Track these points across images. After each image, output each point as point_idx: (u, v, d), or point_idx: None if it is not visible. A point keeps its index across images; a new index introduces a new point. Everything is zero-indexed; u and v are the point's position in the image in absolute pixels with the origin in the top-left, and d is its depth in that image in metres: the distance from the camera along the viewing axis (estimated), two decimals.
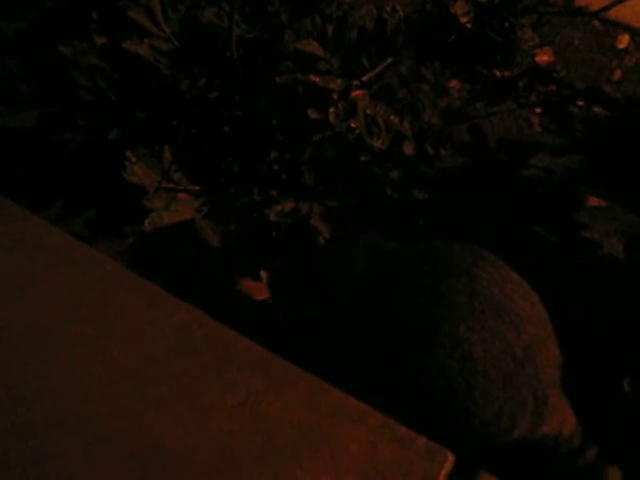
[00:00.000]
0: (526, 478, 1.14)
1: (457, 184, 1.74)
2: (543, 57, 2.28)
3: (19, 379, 0.81)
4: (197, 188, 1.36)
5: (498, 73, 2.15)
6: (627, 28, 2.37)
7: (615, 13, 2.40)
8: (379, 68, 1.17)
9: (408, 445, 0.76)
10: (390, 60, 1.17)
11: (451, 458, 0.78)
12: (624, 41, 2.35)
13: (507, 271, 1.16)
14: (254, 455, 0.76)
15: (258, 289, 1.38)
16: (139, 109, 1.38)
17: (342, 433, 0.76)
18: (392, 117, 1.19)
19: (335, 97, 1.23)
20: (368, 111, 1.18)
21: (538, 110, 2.10)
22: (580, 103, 2.15)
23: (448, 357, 1.05)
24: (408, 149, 1.18)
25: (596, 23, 2.43)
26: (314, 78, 1.22)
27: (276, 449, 0.76)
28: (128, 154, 1.33)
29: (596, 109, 2.14)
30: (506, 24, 2.02)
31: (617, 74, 2.23)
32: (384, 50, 1.22)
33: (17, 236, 0.95)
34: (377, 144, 1.18)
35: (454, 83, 2.09)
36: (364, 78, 1.18)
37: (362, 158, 1.20)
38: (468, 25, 1.93)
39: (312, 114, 1.27)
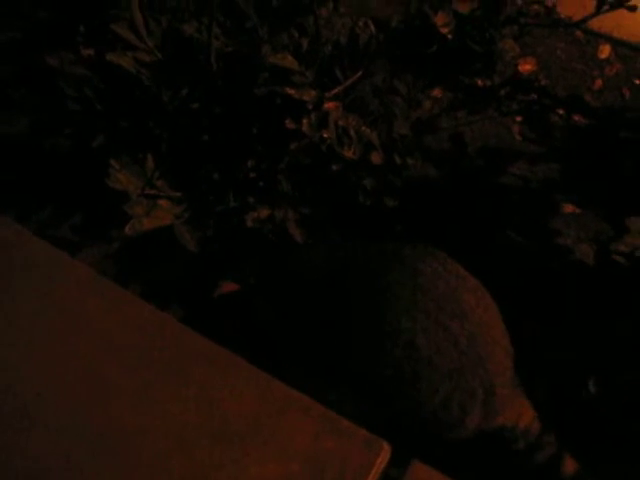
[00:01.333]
0: (486, 473, 1.19)
1: (434, 191, 1.79)
2: (526, 66, 2.33)
3: None
4: (178, 194, 1.42)
5: (480, 82, 2.20)
6: (608, 39, 2.42)
7: (597, 24, 2.45)
8: (350, 81, 1.22)
9: (348, 436, 0.82)
10: (361, 73, 1.22)
11: (387, 447, 0.83)
12: (605, 51, 2.41)
13: (455, 267, 1.21)
14: (207, 443, 0.83)
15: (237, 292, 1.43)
16: (123, 118, 1.43)
17: (288, 425, 0.83)
18: (363, 128, 1.24)
19: (310, 108, 1.28)
20: (340, 122, 1.23)
21: (518, 119, 2.15)
22: (560, 112, 2.20)
23: (394, 346, 1.10)
24: (376, 158, 1.24)
25: (579, 34, 2.48)
26: (289, 90, 1.27)
27: (227, 438, 0.83)
28: (112, 162, 1.38)
29: (576, 118, 2.19)
30: (487, 35, 2.07)
31: (598, 83, 2.29)
32: (357, 63, 1.27)
33: None
34: (348, 154, 1.24)
35: (436, 91, 2.14)
36: (337, 90, 1.23)
37: (334, 167, 1.26)
38: (449, 36, 1.98)
39: (289, 124, 1.32)
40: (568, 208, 1.86)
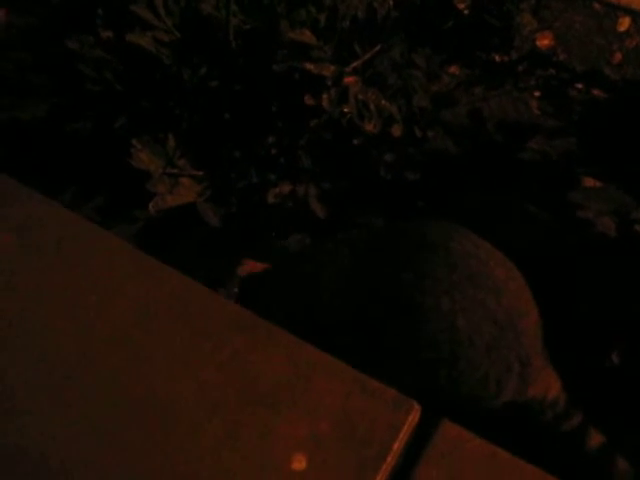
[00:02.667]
0: (512, 443, 1.20)
1: (454, 167, 1.79)
2: (543, 41, 2.31)
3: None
4: (200, 173, 1.43)
5: (497, 58, 2.19)
6: (628, 11, 2.39)
7: None
8: (369, 55, 1.22)
9: (378, 396, 0.84)
10: (380, 47, 1.22)
11: (417, 407, 0.84)
12: (625, 24, 2.38)
13: (481, 242, 1.21)
14: (237, 404, 0.85)
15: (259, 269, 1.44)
16: (143, 98, 1.44)
17: (318, 386, 0.84)
18: (383, 102, 1.24)
19: (329, 83, 1.28)
20: (360, 96, 1.24)
21: (537, 94, 2.14)
22: (579, 86, 2.18)
23: (434, 330, 1.11)
24: (396, 131, 1.24)
25: (597, 6, 2.45)
26: (308, 66, 1.28)
27: (257, 399, 0.85)
28: (134, 142, 1.39)
29: (595, 92, 2.17)
30: (504, 9, 2.05)
31: (617, 57, 2.26)
32: (375, 37, 1.27)
33: (22, 216, 1.03)
34: (369, 128, 1.24)
35: (453, 68, 2.13)
36: (355, 64, 1.23)
37: (355, 141, 1.26)
38: (465, 11, 1.98)
39: (308, 100, 1.33)
40: (588, 182, 1.85)
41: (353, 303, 1.14)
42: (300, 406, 0.82)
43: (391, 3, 1.26)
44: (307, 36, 1.26)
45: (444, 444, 0.81)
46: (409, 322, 1.11)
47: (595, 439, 1.23)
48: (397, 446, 0.81)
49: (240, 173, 1.36)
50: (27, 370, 0.89)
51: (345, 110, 1.24)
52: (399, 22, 1.26)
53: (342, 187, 1.34)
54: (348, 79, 1.25)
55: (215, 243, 1.44)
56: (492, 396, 1.14)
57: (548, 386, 1.20)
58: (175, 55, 1.37)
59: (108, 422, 0.85)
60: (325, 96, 1.25)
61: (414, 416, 0.83)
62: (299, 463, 0.79)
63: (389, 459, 0.81)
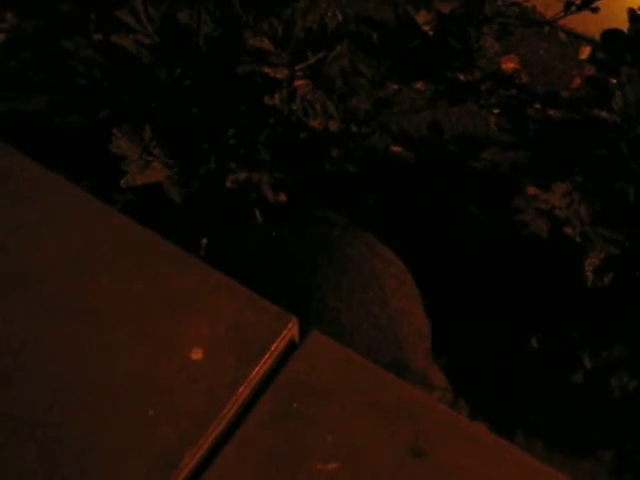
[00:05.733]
0: None
1: (408, 171, 1.97)
2: (509, 64, 2.51)
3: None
4: (172, 161, 1.62)
5: (462, 77, 2.38)
6: (590, 40, 2.58)
7: (582, 27, 2.62)
8: (314, 59, 1.42)
9: (265, 310, 1.06)
10: (323, 53, 1.42)
11: (295, 320, 1.06)
12: (586, 52, 2.57)
13: (383, 252, 1.37)
14: (156, 310, 1.13)
15: None
16: (126, 94, 1.65)
17: (220, 301, 1.07)
18: (328, 102, 1.44)
19: (284, 85, 1.48)
20: (308, 97, 1.43)
21: (496, 111, 2.33)
22: (537, 106, 2.36)
23: (319, 322, 1.26)
24: (333, 126, 1.43)
25: (562, 36, 2.65)
26: (266, 69, 1.48)
27: (172, 307, 1.12)
28: (114, 130, 1.59)
29: (551, 112, 2.35)
30: (466, 32, 2.25)
31: (576, 82, 2.45)
32: (324, 46, 1.47)
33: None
34: (314, 124, 1.43)
35: (419, 84, 2.33)
36: (302, 66, 1.43)
37: (302, 136, 1.45)
38: (430, 33, 2.17)
39: (267, 100, 1.53)
40: (531, 190, 2.02)
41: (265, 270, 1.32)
42: (204, 314, 1.07)
43: (340, 18, 1.46)
44: (266, 43, 1.46)
45: (311, 347, 1.01)
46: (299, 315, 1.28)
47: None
48: (275, 346, 1.05)
49: (203, 160, 1.55)
50: None
51: (293, 108, 1.44)
52: (346, 32, 1.46)
53: (293, 178, 1.53)
54: (298, 82, 1.45)
55: (182, 221, 1.64)
56: None
57: (428, 388, 1.34)
58: (154, 56, 1.57)
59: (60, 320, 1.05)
60: (277, 95, 1.45)
61: (291, 327, 1.04)
62: (196, 354, 1.00)
63: (267, 356, 1.05)
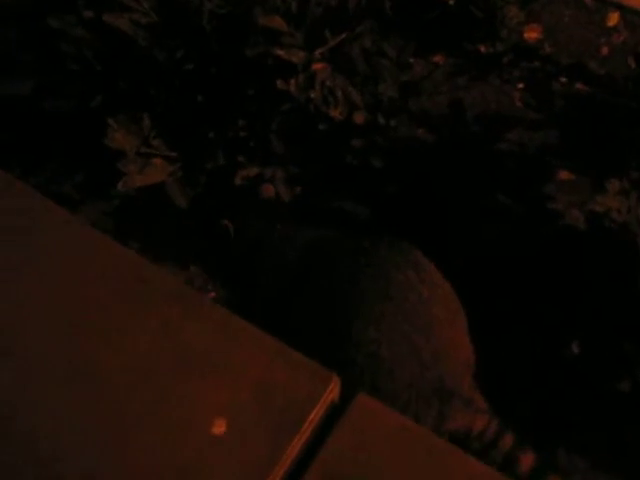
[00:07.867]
0: None
1: (430, 156, 1.81)
2: (531, 34, 2.33)
3: None
4: (174, 154, 1.46)
5: (483, 49, 2.20)
6: (617, 6, 2.40)
7: None
8: (335, 41, 1.25)
9: (298, 368, 0.88)
10: (346, 34, 1.25)
11: (336, 379, 0.89)
12: (613, 19, 2.39)
13: (430, 274, 1.22)
14: (167, 371, 0.92)
15: None
16: (121, 79, 1.47)
17: (243, 357, 0.89)
18: (350, 89, 1.27)
19: (299, 69, 1.31)
20: (327, 83, 1.26)
21: (520, 85, 2.15)
22: (563, 79, 2.19)
23: (357, 353, 1.14)
24: (359, 118, 1.27)
25: (587, 1, 2.46)
26: (279, 51, 1.30)
27: (186, 367, 0.91)
28: (110, 121, 1.43)
29: (579, 85, 2.18)
30: (491, 0, 2.07)
31: (604, 51, 2.27)
32: (345, 25, 1.30)
33: None
34: (334, 114, 1.27)
35: (438, 57, 2.15)
36: (322, 50, 1.26)
37: (320, 127, 1.29)
38: (451, 2, 2.00)
39: (280, 85, 1.36)
40: (563, 174, 1.87)
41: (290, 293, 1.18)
42: (225, 375, 0.89)
43: None
44: (278, 22, 1.29)
45: (358, 415, 0.86)
46: (335, 342, 1.14)
47: (526, 463, 1.24)
48: (313, 415, 0.86)
49: (210, 154, 1.39)
50: None
51: (312, 96, 1.27)
52: (370, 10, 1.29)
53: (311, 172, 1.37)
54: (316, 65, 1.28)
55: (185, 223, 1.48)
56: None
57: (472, 420, 1.21)
58: (151, 38, 1.40)
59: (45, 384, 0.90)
60: (293, 81, 1.28)
61: (332, 388, 0.88)
62: (219, 428, 0.84)
63: (304, 427, 0.85)
